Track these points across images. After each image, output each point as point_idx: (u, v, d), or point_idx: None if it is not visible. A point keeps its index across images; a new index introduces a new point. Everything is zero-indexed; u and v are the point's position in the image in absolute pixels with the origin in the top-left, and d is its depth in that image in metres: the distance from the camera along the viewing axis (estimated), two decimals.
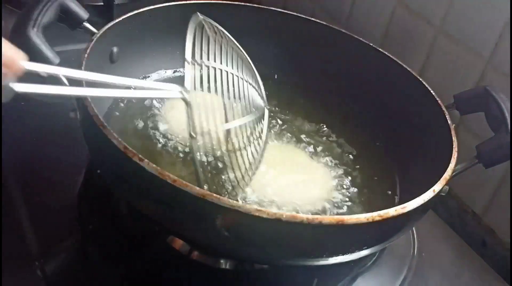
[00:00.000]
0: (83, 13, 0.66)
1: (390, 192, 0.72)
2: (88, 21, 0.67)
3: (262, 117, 0.68)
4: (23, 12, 0.60)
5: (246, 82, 0.65)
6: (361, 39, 0.83)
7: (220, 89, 0.60)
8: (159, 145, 0.71)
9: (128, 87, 0.56)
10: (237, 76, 0.63)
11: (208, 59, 0.59)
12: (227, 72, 0.62)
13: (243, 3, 0.85)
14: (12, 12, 0.98)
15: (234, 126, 0.61)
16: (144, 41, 0.79)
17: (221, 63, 0.61)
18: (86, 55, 0.63)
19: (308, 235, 0.50)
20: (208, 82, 0.59)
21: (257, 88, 0.68)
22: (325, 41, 0.86)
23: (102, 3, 1.01)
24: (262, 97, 0.69)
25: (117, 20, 0.71)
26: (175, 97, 0.56)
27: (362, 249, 0.55)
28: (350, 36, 0.84)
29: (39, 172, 0.71)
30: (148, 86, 0.61)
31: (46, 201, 0.68)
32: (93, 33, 0.67)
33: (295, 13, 0.87)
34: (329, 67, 0.86)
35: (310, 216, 0.48)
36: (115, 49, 0.73)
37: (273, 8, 0.86)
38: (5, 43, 0.43)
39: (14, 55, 0.43)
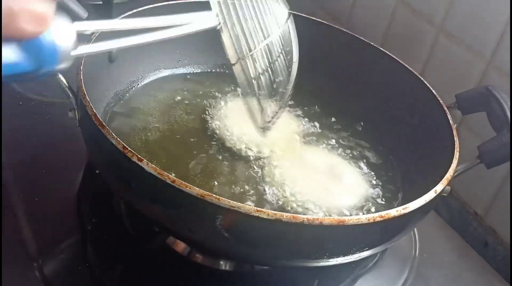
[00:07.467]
0: (82, 12, 0.66)
1: (391, 193, 0.72)
2: (87, 20, 0.66)
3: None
4: None
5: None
6: (362, 38, 0.83)
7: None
8: (159, 145, 0.70)
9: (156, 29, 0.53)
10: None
11: None
12: None
13: None
14: None
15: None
16: None
17: None
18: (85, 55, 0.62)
19: (309, 236, 0.50)
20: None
21: None
22: (326, 40, 0.85)
23: (101, 2, 1.01)
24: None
25: (116, 19, 0.71)
26: (210, 27, 0.53)
27: (363, 250, 0.54)
28: (351, 35, 0.84)
29: (38, 172, 0.71)
30: (179, 21, 0.56)
31: (45, 201, 0.67)
32: (92, 32, 0.66)
33: (295, 12, 0.86)
34: (329, 67, 0.86)
35: (310, 217, 0.48)
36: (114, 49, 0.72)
37: None
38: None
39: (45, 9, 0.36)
